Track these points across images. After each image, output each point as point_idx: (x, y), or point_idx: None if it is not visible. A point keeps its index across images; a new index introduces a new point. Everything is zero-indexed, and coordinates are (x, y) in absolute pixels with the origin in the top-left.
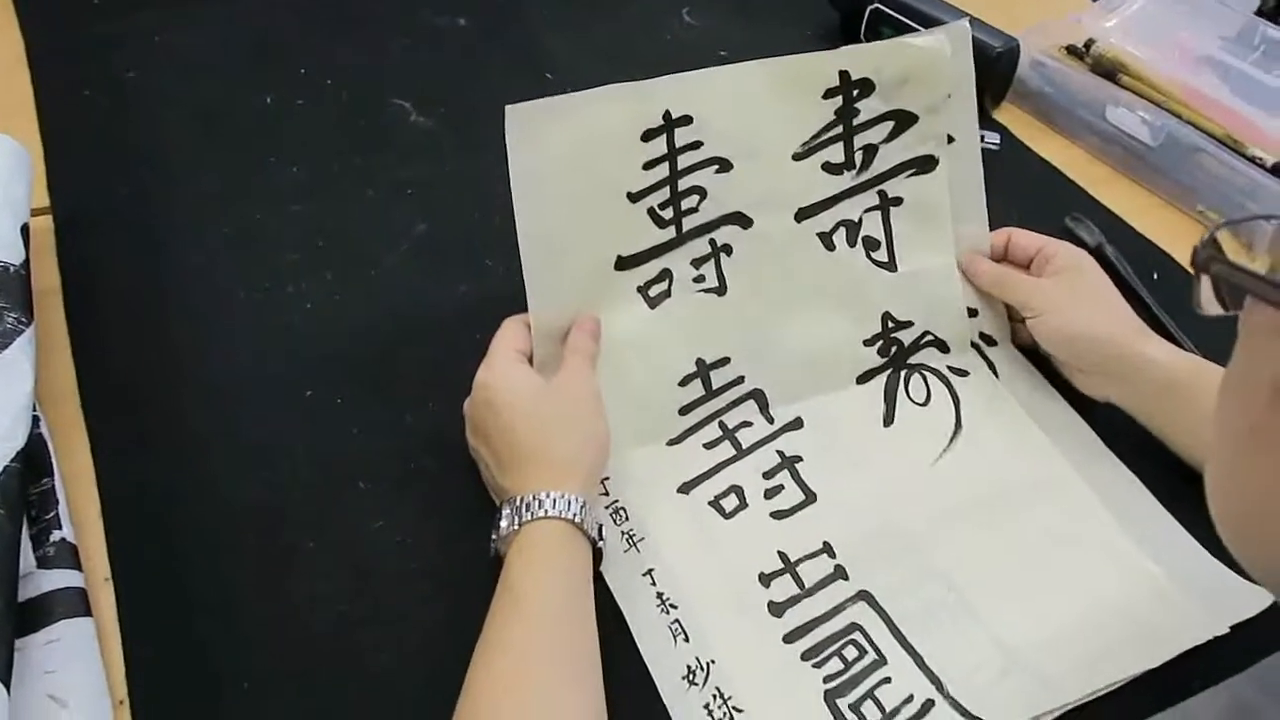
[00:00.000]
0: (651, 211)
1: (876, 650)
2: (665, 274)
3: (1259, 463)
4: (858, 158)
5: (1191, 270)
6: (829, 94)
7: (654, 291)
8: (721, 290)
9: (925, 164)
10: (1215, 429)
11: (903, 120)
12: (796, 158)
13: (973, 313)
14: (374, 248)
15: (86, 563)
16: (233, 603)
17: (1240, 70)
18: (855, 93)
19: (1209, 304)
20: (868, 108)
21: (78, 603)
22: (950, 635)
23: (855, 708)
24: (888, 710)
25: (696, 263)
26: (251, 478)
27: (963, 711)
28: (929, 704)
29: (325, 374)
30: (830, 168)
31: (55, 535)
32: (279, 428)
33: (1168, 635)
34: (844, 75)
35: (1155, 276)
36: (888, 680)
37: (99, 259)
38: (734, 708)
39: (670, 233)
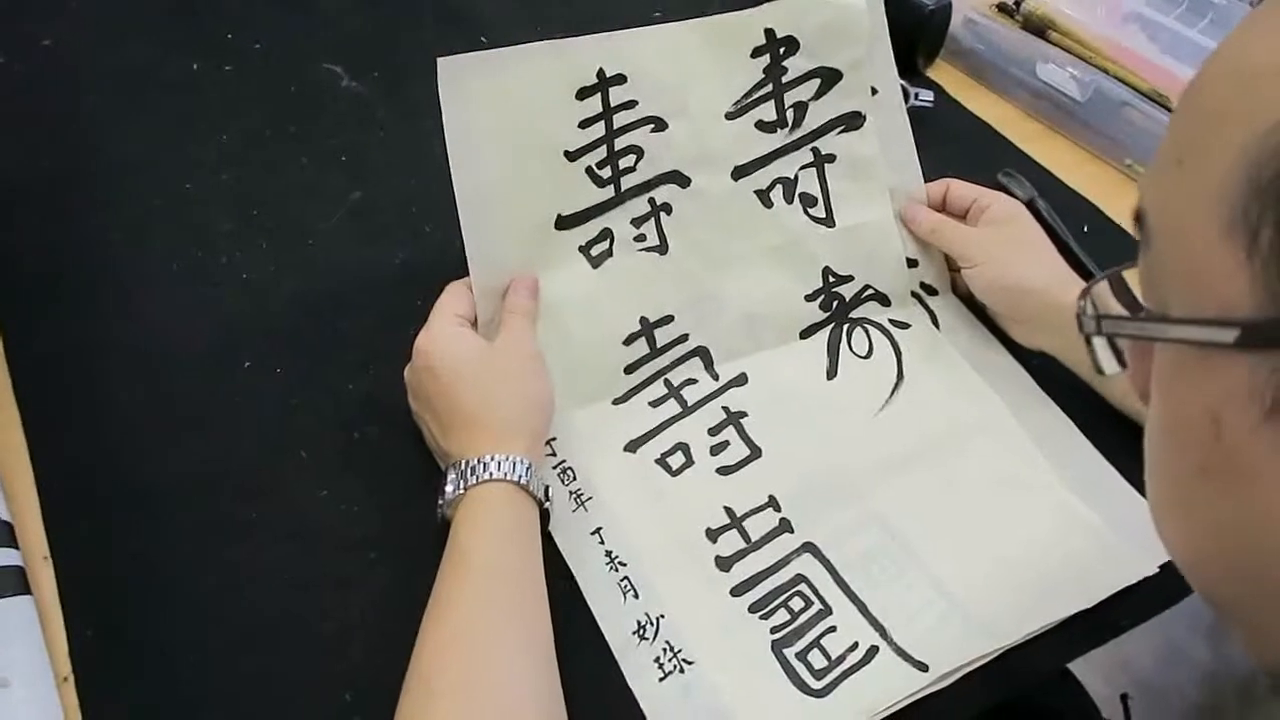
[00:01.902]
0: (590, 170)
1: (821, 600)
2: (606, 233)
3: (1220, 500)
4: (789, 115)
5: (1082, 337)
6: (756, 52)
7: (595, 251)
8: (663, 249)
9: (853, 120)
10: (1154, 482)
11: (828, 77)
12: (730, 116)
13: (913, 263)
14: (309, 216)
15: (24, 541)
16: (175, 576)
17: (1166, 26)
18: (781, 50)
19: (1110, 365)
20: (794, 65)
21: (16, 581)
22: (892, 582)
23: (802, 656)
24: (833, 658)
25: (637, 222)
26: (190, 451)
27: (905, 656)
28: (873, 650)
29: (263, 344)
30: (763, 126)
31: None
32: (217, 400)
33: (1101, 576)
34: (769, 33)
35: (1085, 229)
36: (833, 629)
37: (23, 231)
38: (684, 660)
39: (609, 192)
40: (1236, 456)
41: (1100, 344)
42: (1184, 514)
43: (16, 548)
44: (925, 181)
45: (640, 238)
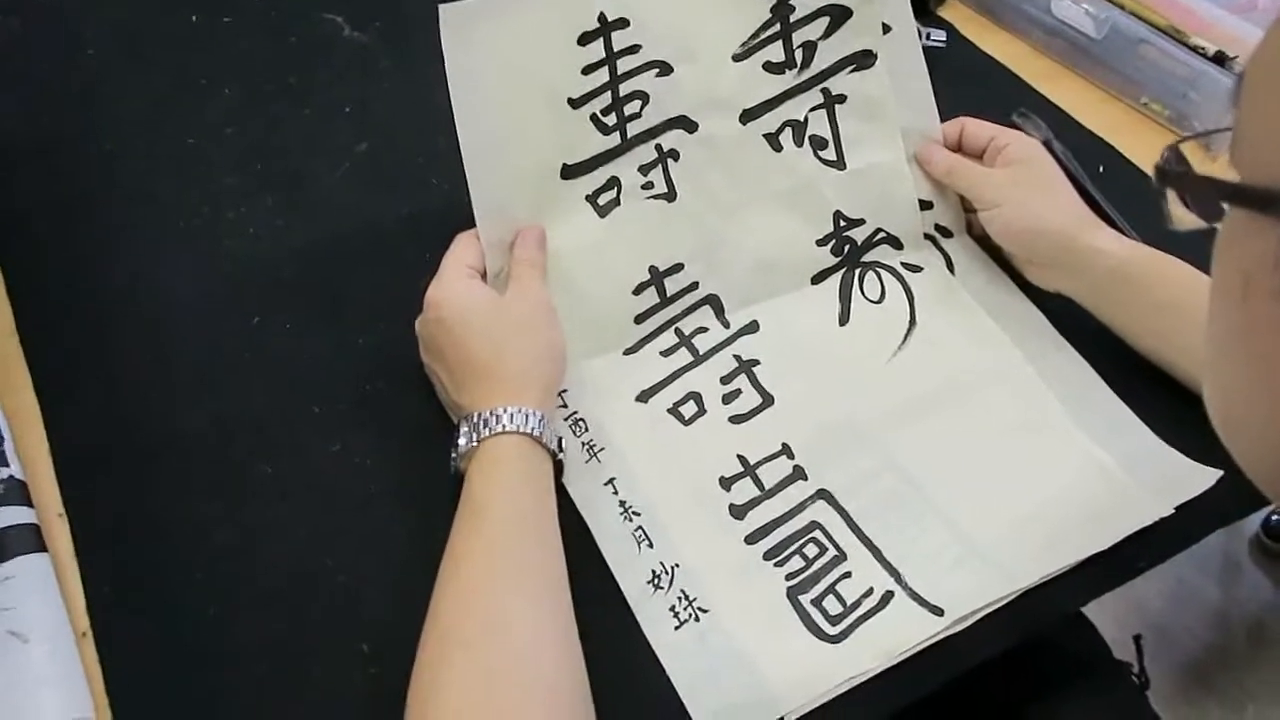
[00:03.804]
0: (594, 118)
1: (836, 546)
2: (613, 182)
3: (1239, 360)
4: (797, 55)
5: (1158, 185)
6: None
7: (603, 200)
8: (671, 196)
9: (864, 59)
10: (1206, 342)
11: (838, 15)
12: (736, 58)
13: (927, 205)
14: (314, 169)
15: (38, 499)
16: (190, 531)
17: None
18: None
19: (1182, 219)
20: (803, 3)
21: (31, 539)
22: (907, 527)
23: (817, 603)
24: (848, 603)
25: (644, 169)
26: (202, 407)
27: (921, 601)
28: (888, 595)
29: (272, 299)
30: (771, 67)
31: (3, 473)
32: (227, 355)
33: (1116, 518)
34: None
35: (1101, 170)
36: (848, 575)
37: (26, 192)
38: (699, 608)
39: (615, 139)
40: (1256, 320)
41: (1173, 198)
42: (1217, 378)
43: (31, 506)
44: (941, 121)
45: (648, 185)
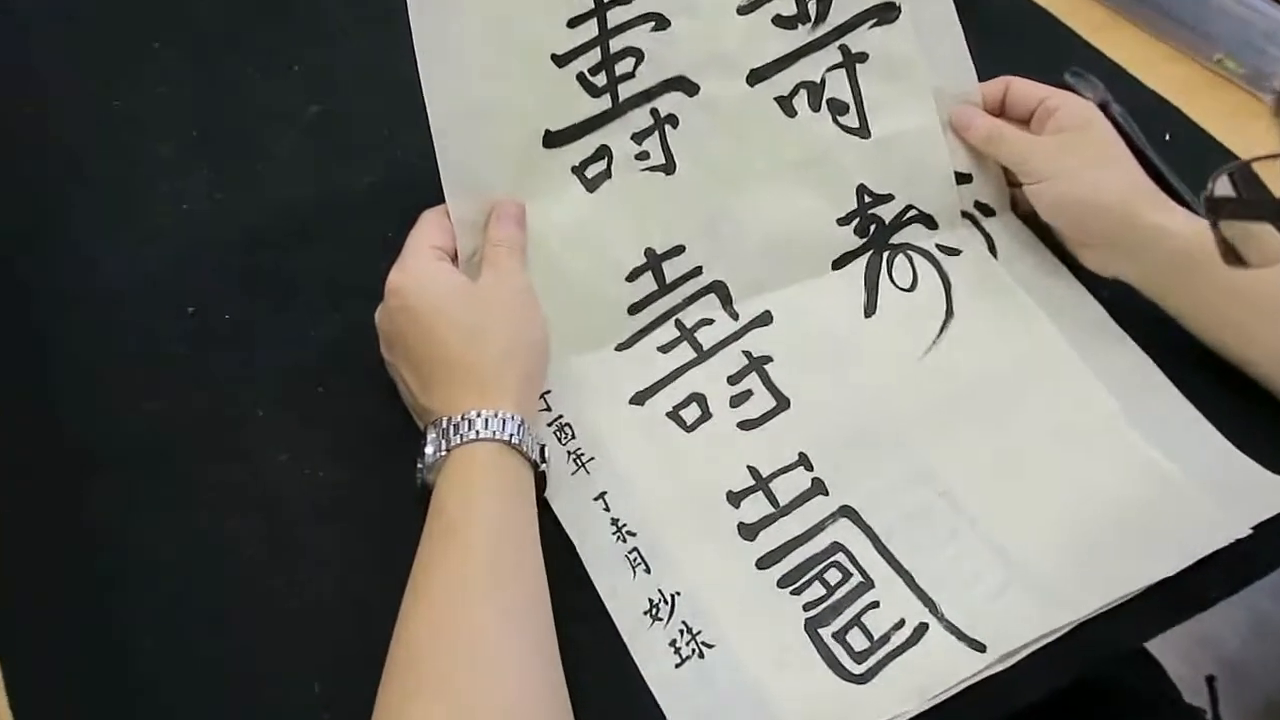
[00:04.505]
0: (581, 77)
1: (862, 572)
2: (603, 151)
3: None
4: (812, 8)
5: (1208, 215)
6: None
7: (591, 172)
8: (669, 168)
9: (885, 12)
10: None
11: None
12: (742, 10)
13: (964, 178)
14: (259, 137)
15: None
16: (127, 547)
17: None
18: None
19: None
20: None
21: None
22: (943, 548)
23: (840, 637)
24: (876, 637)
25: (638, 137)
26: (135, 409)
27: (959, 634)
28: (922, 628)
29: (210, 286)
30: (782, 21)
31: None
32: (160, 350)
33: (1185, 539)
34: None
35: (1168, 137)
36: (875, 605)
37: None
38: (703, 643)
39: (605, 102)
40: None
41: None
42: None
43: None
44: (979, 81)
45: (643, 155)
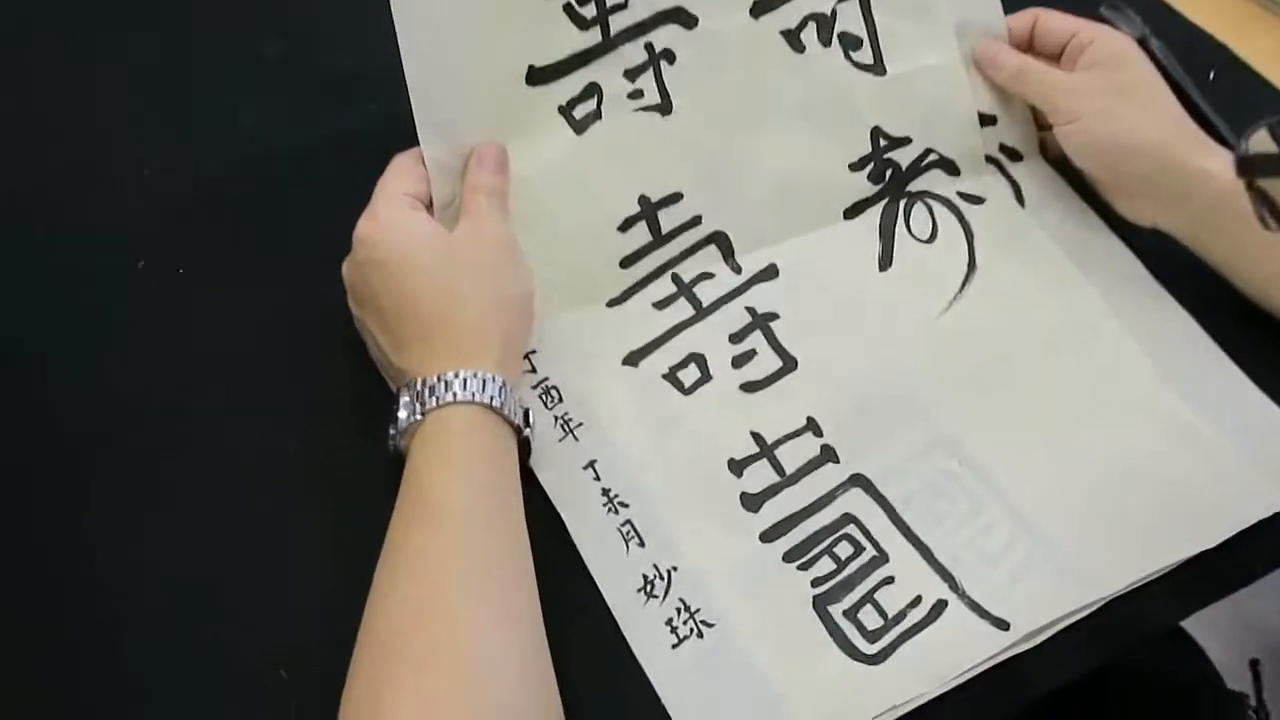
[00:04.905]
0: (569, 8)
1: (875, 545)
2: (593, 89)
3: None
4: None
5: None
6: None
7: (580, 112)
8: (666, 108)
9: None
10: None
11: None
12: None
13: (988, 120)
14: (216, 80)
15: None
16: (75, 528)
17: None
18: None
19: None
20: None
21: None
22: (964, 521)
23: (851, 615)
24: (890, 615)
25: (631, 74)
26: (80, 374)
27: (981, 612)
28: (940, 605)
29: (162, 240)
30: None
31: None
32: (109, 312)
33: (1226, 510)
34: None
35: (1211, 76)
36: (890, 580)
37: None
38: (702, 622)
39: (595, 36)
40: None
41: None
42: None
43: None
44: (1005, 14)
45: (636, 94)
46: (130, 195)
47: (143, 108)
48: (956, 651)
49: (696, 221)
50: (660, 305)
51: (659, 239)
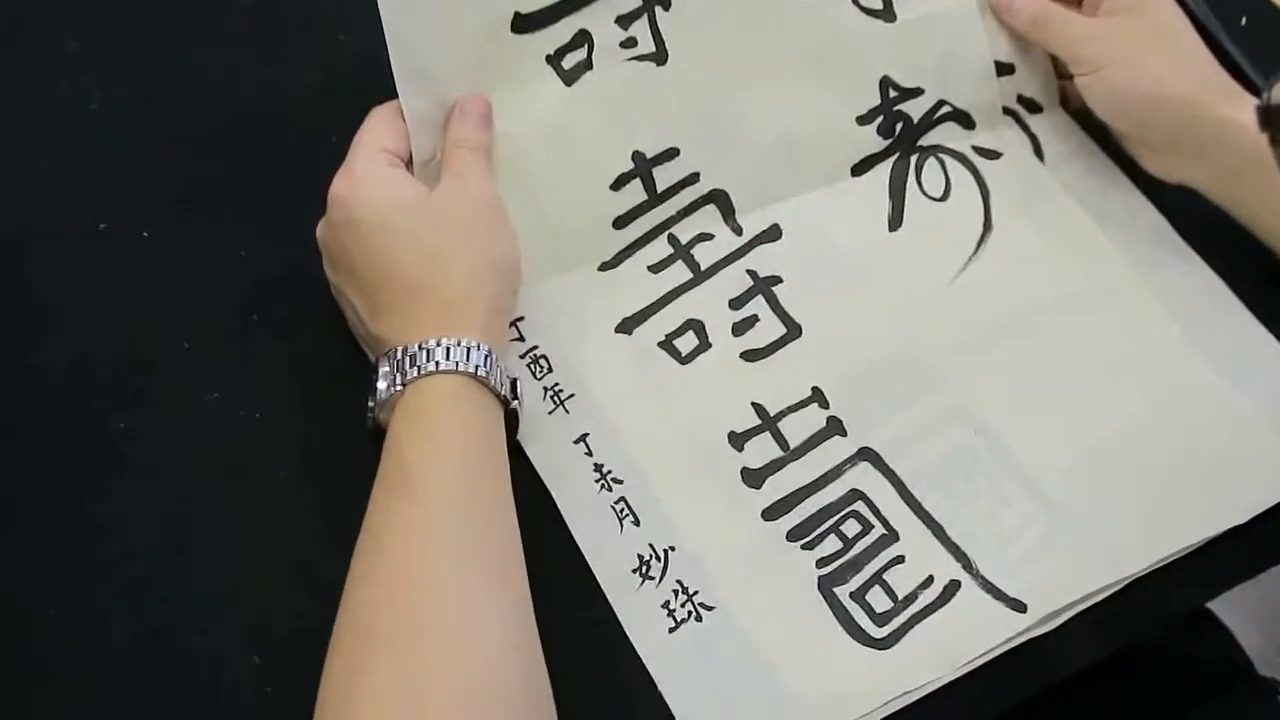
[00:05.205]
0: None
1: (884, 523)
2: (582, 37)
3: None
4: None
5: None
6: None
7: (569, 62)
8: (661, 57)
9: None
10: None
11: None
12: None
13: (1006, 69)
14: (180, 28)
15: None
16: (33, 507)
17: None
18: None
19: None
20: None
21: None
22: (978, 496)
23: (858, 596)
24: (900, 597)
25: (624, 20)
26: (39, 347)
27: (996, 593)
28: (953, 586)
29: (125, 199)
30: None
31: None
32: (68, 275)
33: (1256, 484)
34: None
35: (1244, 21)
36: (899, 560)
37: None
38: (701, 605)
39: None
40: None
41: None
42: None
43: None
44: None
45: (629, 42)
46: (89, 153)
47: (100, 55)
48: (970, 635)
49: (694, 179)
50: (656, 268)
51: (654, 198)
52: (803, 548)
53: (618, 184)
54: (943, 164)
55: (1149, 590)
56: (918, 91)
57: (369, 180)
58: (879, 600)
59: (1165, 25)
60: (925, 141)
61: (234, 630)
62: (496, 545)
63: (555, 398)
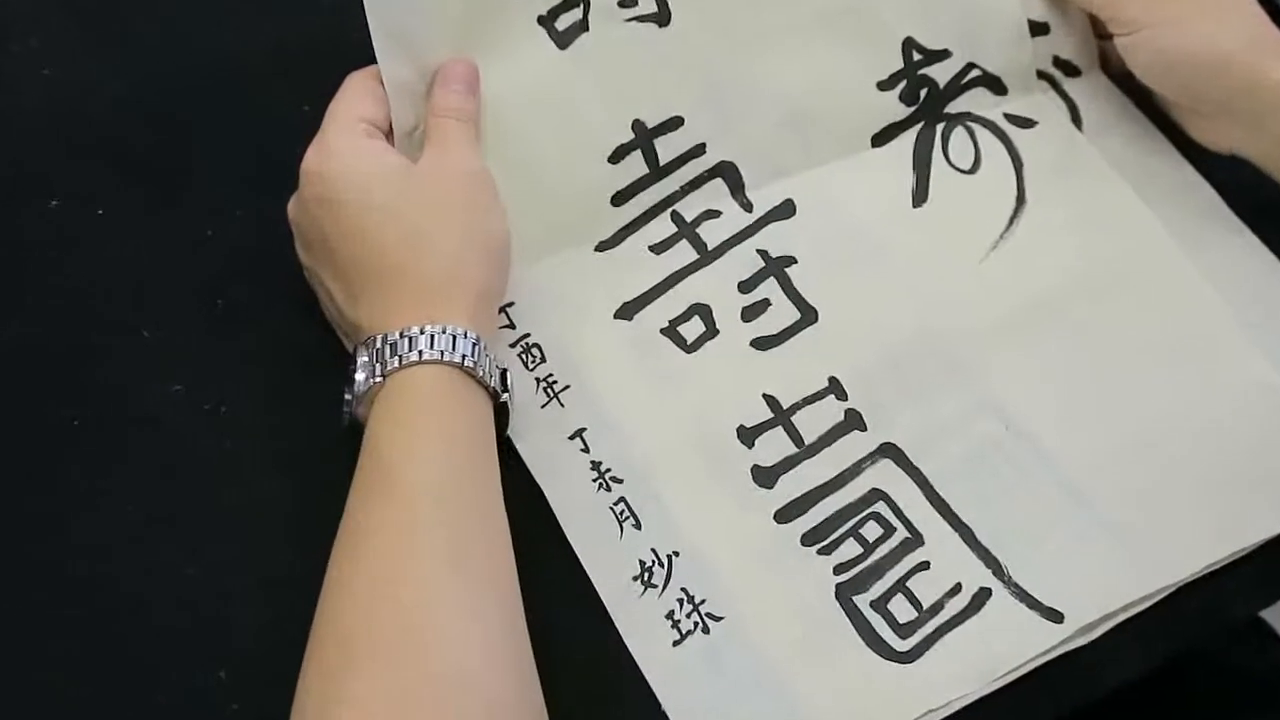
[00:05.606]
0: None
1: (908, 525)
2: None
3: None
4: None
5: None
6: None
7: (563, 23)
8: (663, 18)
9: None
10: None
11: None
12: None
13: (1040, 29)
14: None
15: None
16: None
17: None
18: None
19: None
20: None
21: None
22: (1010, 496)
23: (880, 606)
24: (925, 606)
25: None
26: None
27: (1030, 602)
28: (983, 594)
29: (77, 171)
30: None
31: None
32: (15, 253)
33: None
34: None
35: None
36: (925, 566)
37: None
38: (708, 615)
39: None
40: None
41: None
42: None
43: None
44: None
45: (629, 2)
46: (39, 123)
47: (51, 14)
48: (1002, 647)
49: (700, 150)
50: (658, 248)
51: (656, 171)
52: (819, 552)
53: (616, 156)
54: (971, 133)
55: (1198, 598)
56: (944, 54)
57: (345, 152)
58: (902, 610)
59: None
60: (952, 109)
61: (199, 640)
62: (484, 549)
63: (549, 390)
